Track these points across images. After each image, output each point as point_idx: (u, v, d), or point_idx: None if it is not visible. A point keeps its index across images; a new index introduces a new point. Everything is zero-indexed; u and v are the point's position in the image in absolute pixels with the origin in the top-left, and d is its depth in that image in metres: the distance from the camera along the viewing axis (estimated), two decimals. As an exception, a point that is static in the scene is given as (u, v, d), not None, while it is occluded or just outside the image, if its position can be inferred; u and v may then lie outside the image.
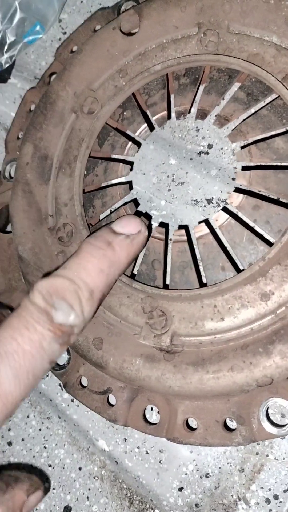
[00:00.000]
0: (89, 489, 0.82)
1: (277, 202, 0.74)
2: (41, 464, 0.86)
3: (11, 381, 0.49)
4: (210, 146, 0.84)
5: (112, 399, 0.72)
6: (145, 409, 0.70)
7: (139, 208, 0.85)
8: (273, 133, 0.76)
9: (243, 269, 0.68)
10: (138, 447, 0.79)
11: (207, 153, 0.84)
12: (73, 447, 0.85)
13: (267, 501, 0.71)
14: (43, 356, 0.52)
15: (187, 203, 0.83)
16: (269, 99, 0.77)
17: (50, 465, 0.85)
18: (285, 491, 0.71)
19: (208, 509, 0.74)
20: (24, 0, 0.97)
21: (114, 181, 0.88)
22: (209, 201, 0.82)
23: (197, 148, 0.85)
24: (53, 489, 0.84)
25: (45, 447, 0.87)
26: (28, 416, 0.89)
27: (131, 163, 0.87)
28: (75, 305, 0.56)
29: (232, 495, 0.73)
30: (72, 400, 0.85)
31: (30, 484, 0.57)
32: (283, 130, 0.76)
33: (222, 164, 0.83)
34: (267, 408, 0.63)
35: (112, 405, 0.72)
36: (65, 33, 1.08)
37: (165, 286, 0.78)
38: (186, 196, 0.83)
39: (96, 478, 0.82)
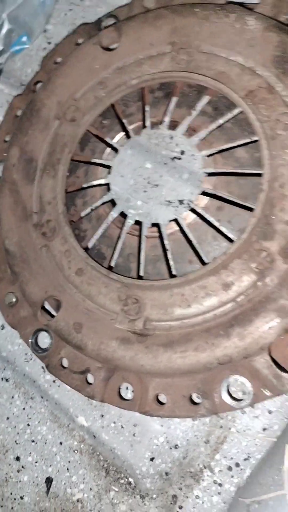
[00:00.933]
0: (69, 462, 0.87)
1: (237, 204, 0.80)
2: (24, 440, 0.91)
3: None
4: (182, 152, 0.89)
5: (90, 378, 0.77)
6: (120, 386, 0.74)
7: (116, 208, 0.90)
8: (236, 144, 0.82)
9: (208, 263, 0.73)
10: (114, 422, 0.84)
11: (180, 158, 0.89)
12: (54, 424, 0.90)
13: (230, 468, 0.76)
14: None
15: (161, 203, 0.87)
16: (231, 114, 0.82)
17: (33, 441, 0.90)
18: (245, 459, 0.75)
19: (177, 477, 0.78)
20: (12, 13, 1.02)
21: (94, 183, 0.94)
22: (181, 202, 0.86)
23: (171, 154, 0.90)
24: (36, 462, 0.89)
25: (28, 424, 0.92)
26: (12, 397, 0.94)
27: (109, 167, 0.94)
28: None
29: (198, 464, 0.77)
30: (54, 381, 0.90)
31: None
32: (244, 141, 0.81)
33: (193, 169, 0.87)
34: (228, 385, 0.67)
35: (90, 384, 0.76)
36: (50, 43, 1.13)
37: (139, 277, 0.83)
38: (161, 197, 0.88)
39: (76, 451, 0.87)
